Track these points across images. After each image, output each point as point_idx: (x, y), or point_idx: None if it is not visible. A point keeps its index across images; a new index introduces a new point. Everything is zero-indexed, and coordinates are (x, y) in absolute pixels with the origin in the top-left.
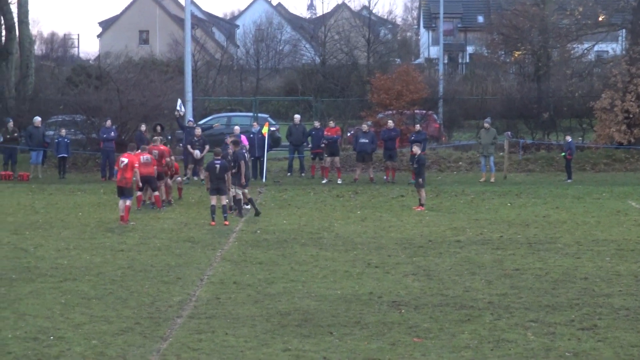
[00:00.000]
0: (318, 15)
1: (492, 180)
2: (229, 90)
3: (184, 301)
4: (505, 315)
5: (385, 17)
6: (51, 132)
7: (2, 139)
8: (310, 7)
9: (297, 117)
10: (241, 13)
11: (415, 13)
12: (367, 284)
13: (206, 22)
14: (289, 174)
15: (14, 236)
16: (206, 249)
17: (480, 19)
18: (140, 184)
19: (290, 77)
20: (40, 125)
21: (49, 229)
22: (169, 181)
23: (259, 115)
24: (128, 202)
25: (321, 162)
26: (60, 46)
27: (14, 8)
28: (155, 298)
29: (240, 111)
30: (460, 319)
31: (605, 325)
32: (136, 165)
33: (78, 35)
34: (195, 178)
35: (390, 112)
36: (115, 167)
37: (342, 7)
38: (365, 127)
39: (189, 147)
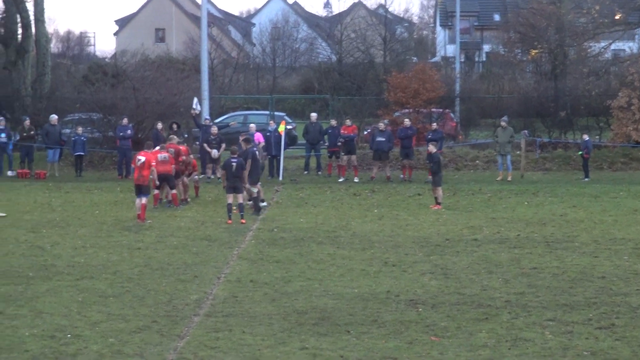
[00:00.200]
0: (334, 13)
1: (509, 178)
2: (245, 88)
3: (201, 299)
4: (522, 314)
5: (402, 15)
6: (68, 130)
7: (18, 137)
8: (327, 5)
9: (313, 115)
10: (257, 11)
11: (431, 11)
12: (384, 283)
13: (222, 20)
14: (305, 172)
15: (31, 234)
16: (223, 247)
17: (497, 17)
18: (157, 182)
19: (307, 76)
20: (56, 124)
21: (65, 227)
22: (186, 179)
23: (276, 113)
24: (144, 200)
25: (338, 160)
26: (76, 44)
27: (30, 6)
28: (172, 296)
29: (257, 109)
30: (478, 318)
31: (622, 324)
32: (153, 163)
33: (94, 33)
34: (212, 176)
35: (406, 110)
36: (132, 165)
37: (358, 5)
38: (382, 125)
39: (205, 146)
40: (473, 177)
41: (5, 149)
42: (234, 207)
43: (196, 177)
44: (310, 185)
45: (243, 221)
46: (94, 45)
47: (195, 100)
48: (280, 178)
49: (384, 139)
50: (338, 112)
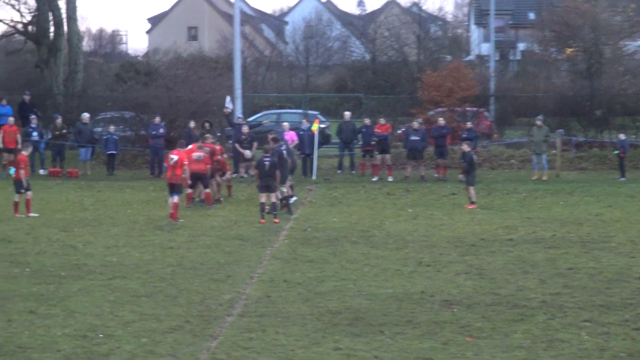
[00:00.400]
0: (367, 11)
1: (545, 178)
2: (278, 87)
3: (234, 299)
4: (558, 314)
5: (436, 13)
6: (100, 129)
7: (50, 136)
8: (360, 3)
9: (347, 114)
10: (290, 9)
11: (465, 9)
12: (419, 283)
13: (255, 18)
14: (339, 171)
15: (62, 233)
16: (256, 247)
17: (532, 15)
18: (190, 181)
19: (340, 74)
20: (88, 122)
21: (97, 226)
22: (219, 179)
23: (309, 112)
24: (177, 199)
25: (372, 159)
26: (108, 42)
27: (62, 4)
28: (205, 296)
29: (290, 108)
30: (513, 319)
31: None
32: (185, 162)
33: (126, 31)
34: (245, 175)
35: (441, 109)
36: (165, 164)
37: (391, 3)
38: (416, 124)
39: (237, 146)
40: (508, 176)
41: (37, 147)
42: (267, 207)
43: (228, 176)
44: (343, 185)
45: (276, 220)
46: (126, 43)
47: (228, 98)
48: (314, 177)
49: (418, 138)
50: (372, 110)
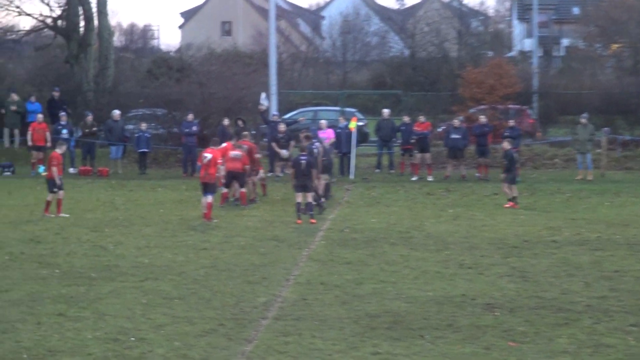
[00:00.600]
0: (407, 6)
1: (590, 178)
2: (314, 83)
3: (269, 302)
4: (604, 319)
5: (477, 8)
6: (131, 126)
7: (80, 133)
8: None
9: (385, 111)
10: (327, 4)
11: (508, 4)
12: (460, 286)
13: (291, 13)
14: (377, 170)
15: (93, 233)
16: (292, 248)
17: (576, 10)
18: (224, 180)
19: (379, 70)
20: (119, 119)
21: (129, 226)
22: (254, 178)
23: (346, 109)
24: (210, 199)
25: (411, 158)
26: (140, 37)
27: None
28: (239, 299)
29: (327, 105)
30: (558, 323)
31: None
32: (219, 160)
33: (158, 26)
34: (281, 174)
35: (482, 107)
36: (198, 163)
37: None
38: (456, 122)
39: (274, 145)
40: (552, 176)
41: (67, 145)
42: (303, 207)
43: (262, 174)
44: (382, 184)
45: (313, 221)
46: (158, 38)
47: (263, 95)
48: (352, 176)
49: (458, 136)
50: (411, 108)
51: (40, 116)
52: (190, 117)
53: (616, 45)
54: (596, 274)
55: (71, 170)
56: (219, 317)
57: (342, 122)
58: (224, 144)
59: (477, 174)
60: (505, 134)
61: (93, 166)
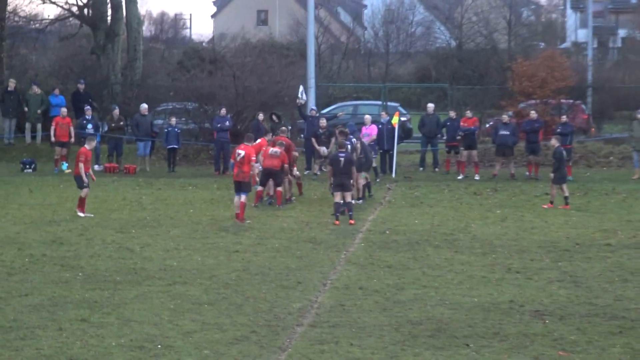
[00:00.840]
0: None
1: None
2: (355, 76)
3: (304, 308)
4: None
5: None
6: (160, 121)
7: (107, 128)
8: None
9: (430, 106)
10: None
11: None
12: (507, 291)
13: (331, 1)
14: (421, 168)
15: (119, 234)
16: (329, 251)
17: None
18: (258, 179)
19: (423, 62)
20: (147, 114)
21: (157, 227)
22: (290, 176)
23: (389, 104)
24: (244, 198)
25: (457, 155)
26: (170, 27)
27: None
28: (273, 304)
29: (368, 99)
30: (611, 331)
31: None
32: (253, 157)
33: (190, 15)
34: (319, 173)
35: (533, 101)
36: (231, 160)
37: None
38: (505, 117)
39: (313, 141)
40: (606, 175)
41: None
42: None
43: (297, 173)
44: (426, 183)
45: (352, 222)
46: (190, 28)
47: (301, 88)
48: (393, 175)
49: (507, 133)
50: (457, 102)
51: (64, 110)
52: (222, 111)
53: None
54: None
55: (96, 167)
56: (251, 324)
57: (384, 118)
58: (258, 140)
59: (526, 173)
60: (557, 130)
61: (119, 163)
